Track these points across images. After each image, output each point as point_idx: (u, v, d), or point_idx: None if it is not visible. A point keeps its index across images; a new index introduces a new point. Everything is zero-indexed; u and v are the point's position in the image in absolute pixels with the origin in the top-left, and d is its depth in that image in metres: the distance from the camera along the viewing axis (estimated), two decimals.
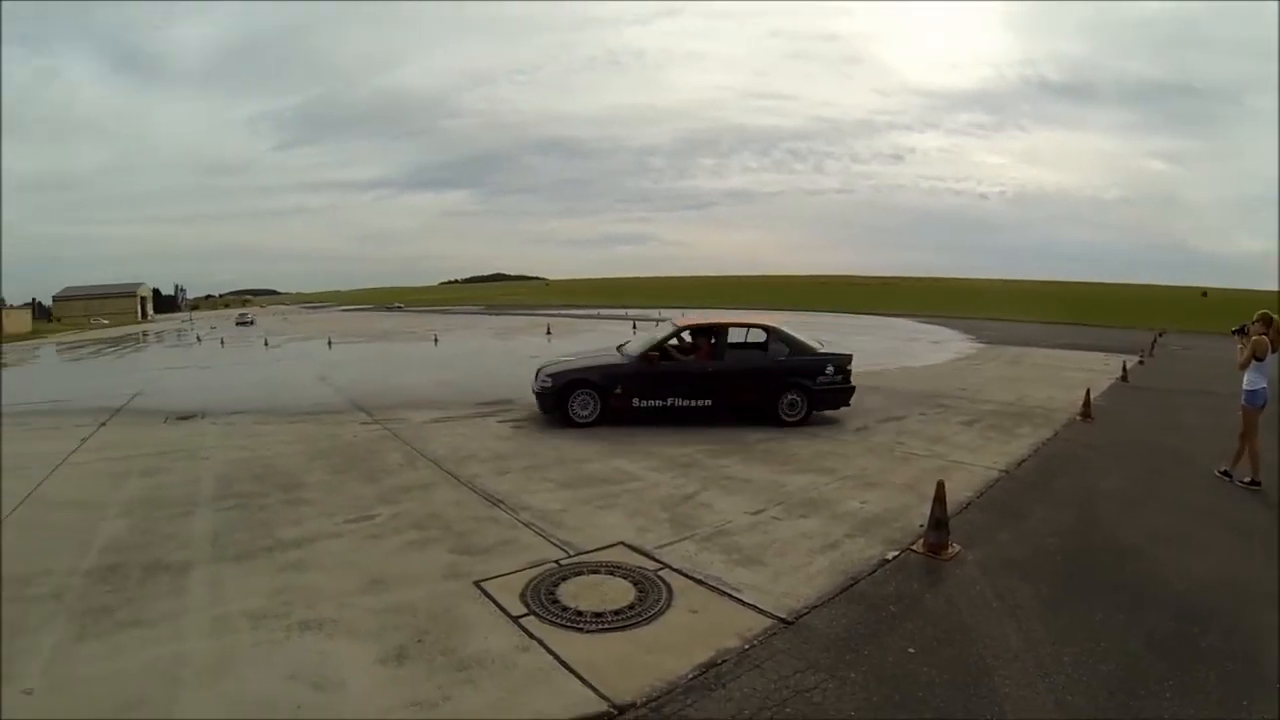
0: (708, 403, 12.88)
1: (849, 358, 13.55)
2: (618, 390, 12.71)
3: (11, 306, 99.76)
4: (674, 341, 13.51)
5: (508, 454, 10.68)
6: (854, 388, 13.55)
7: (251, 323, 77.97)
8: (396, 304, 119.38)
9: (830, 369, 13.24)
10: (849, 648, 4.98)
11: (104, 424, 15.02)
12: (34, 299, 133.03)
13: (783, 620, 5.33)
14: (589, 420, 12.57)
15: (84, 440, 13.22)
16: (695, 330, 13.79)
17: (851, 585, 6.02)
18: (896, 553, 6.73)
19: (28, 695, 4.64)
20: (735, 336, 13.51)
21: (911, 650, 4.95)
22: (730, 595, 5.73)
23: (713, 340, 13.40)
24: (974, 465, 10.19)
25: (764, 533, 7.20)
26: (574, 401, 12.64)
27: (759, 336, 13.74)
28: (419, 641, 5.06)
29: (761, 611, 5.44)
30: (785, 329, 13.77)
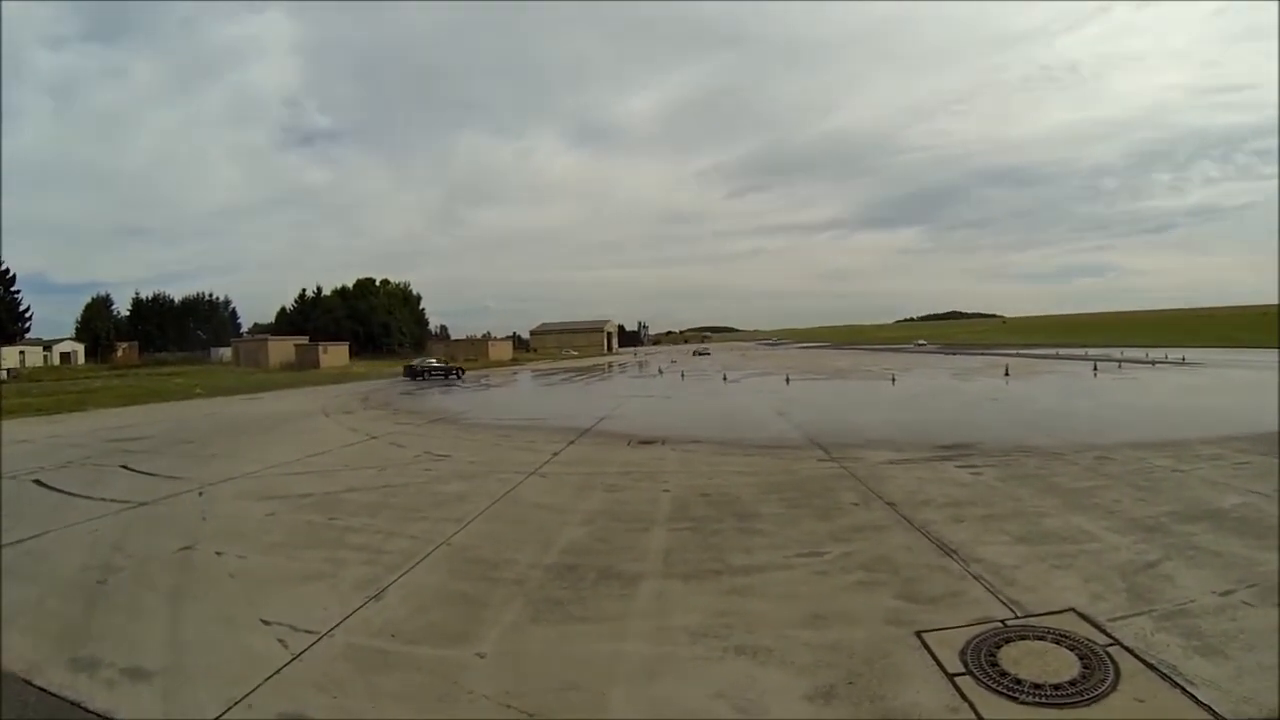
0: None
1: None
2: None
3: (495, 338, 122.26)
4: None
5: (964, 501, 10.28)
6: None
7: (708, 353, 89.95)
8: (920, 340, 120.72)
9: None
10: None
11: (572, 442, 17.36)
12: (514, 332, 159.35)
13: None
14: None
15: (555, 454, 15.45)
16: None
17: None
18: None
19: (480, 658, 5.67)
20: None
21: None
22: (1183, 689, 4.96)
23: None
24: None
25: (1231, 619, 6.13)
26: None
27: None
28: (850, 684, 5.08)
29: (1214, 714, 4.64)
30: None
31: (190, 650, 5.91)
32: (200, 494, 12.04)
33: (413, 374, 56.63)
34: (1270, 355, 49.09)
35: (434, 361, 62.36)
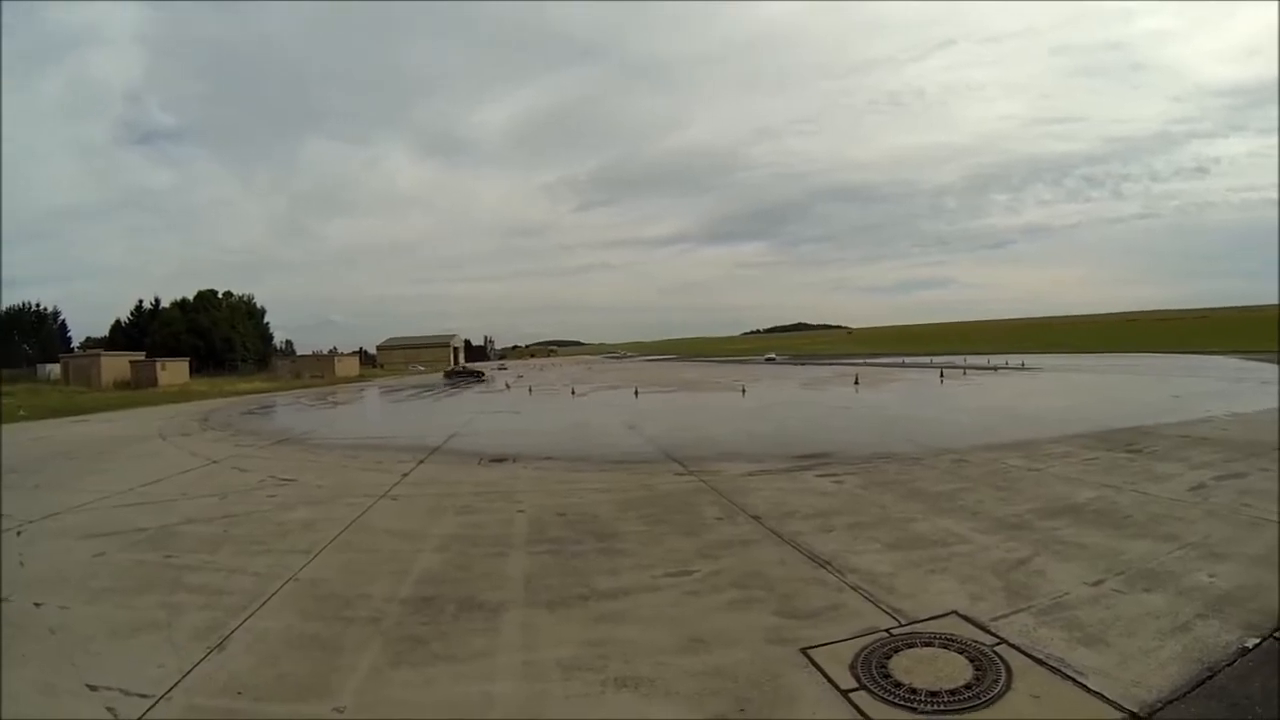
0: None
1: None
2: None
3: (342, 354, 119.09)
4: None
5: (830, 510, 10.37)
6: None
7: (505, 369, 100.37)
8: (770, 354, 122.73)
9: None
10: None
11: (422, 461, 16.75)
12: (360, 347, 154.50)
13: (1134, 715, 4.64)
14: None
15: (404, 475, 14.81)
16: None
17: (1209, 678, 5.11)
18: (1258, 640, 5.66)
19: (339, 713, 5.11)
20: None
21: None
22: (1074, 680, 5.08)
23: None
24: None
25: (1107, 608, 6.39)
26: None
27: None
28: (740, 711, 4.86)
29: (1108, 701, 4.78)
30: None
31: None
32: (19, 533, 10.78)
33: (451, 376, 74.35)
34: (1097, 359, 53.25)
35: (462, 367, 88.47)
